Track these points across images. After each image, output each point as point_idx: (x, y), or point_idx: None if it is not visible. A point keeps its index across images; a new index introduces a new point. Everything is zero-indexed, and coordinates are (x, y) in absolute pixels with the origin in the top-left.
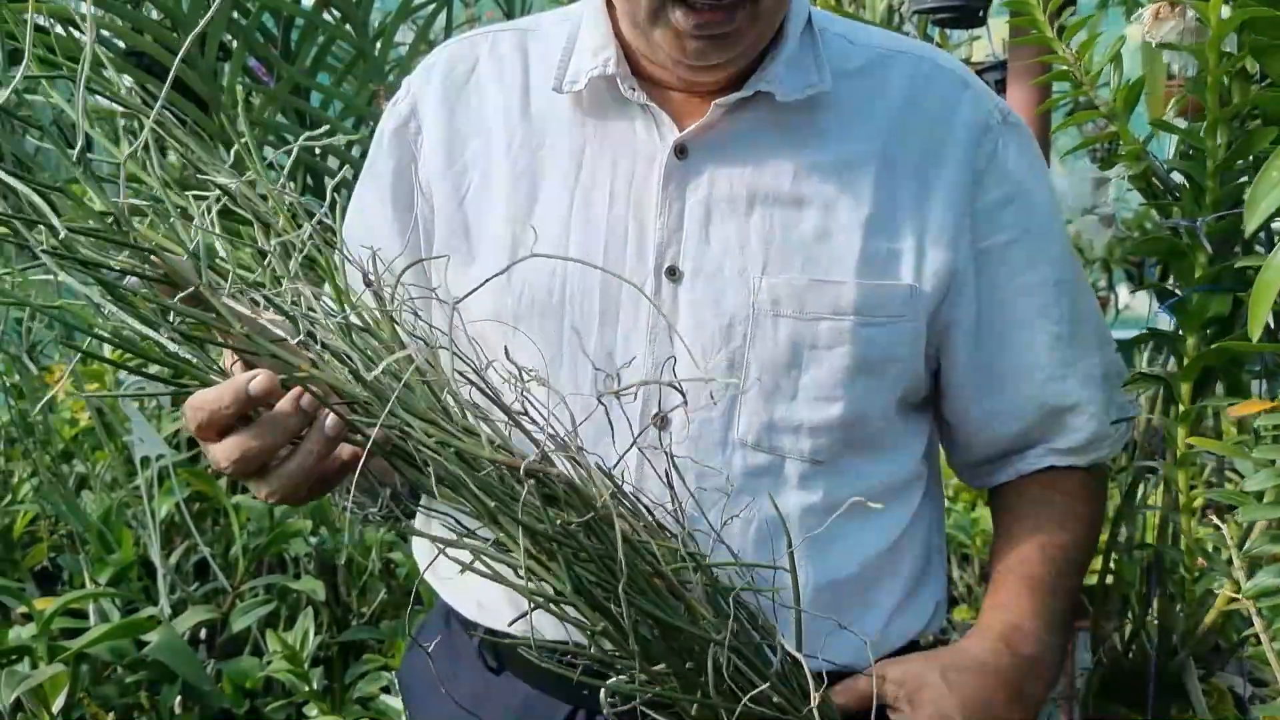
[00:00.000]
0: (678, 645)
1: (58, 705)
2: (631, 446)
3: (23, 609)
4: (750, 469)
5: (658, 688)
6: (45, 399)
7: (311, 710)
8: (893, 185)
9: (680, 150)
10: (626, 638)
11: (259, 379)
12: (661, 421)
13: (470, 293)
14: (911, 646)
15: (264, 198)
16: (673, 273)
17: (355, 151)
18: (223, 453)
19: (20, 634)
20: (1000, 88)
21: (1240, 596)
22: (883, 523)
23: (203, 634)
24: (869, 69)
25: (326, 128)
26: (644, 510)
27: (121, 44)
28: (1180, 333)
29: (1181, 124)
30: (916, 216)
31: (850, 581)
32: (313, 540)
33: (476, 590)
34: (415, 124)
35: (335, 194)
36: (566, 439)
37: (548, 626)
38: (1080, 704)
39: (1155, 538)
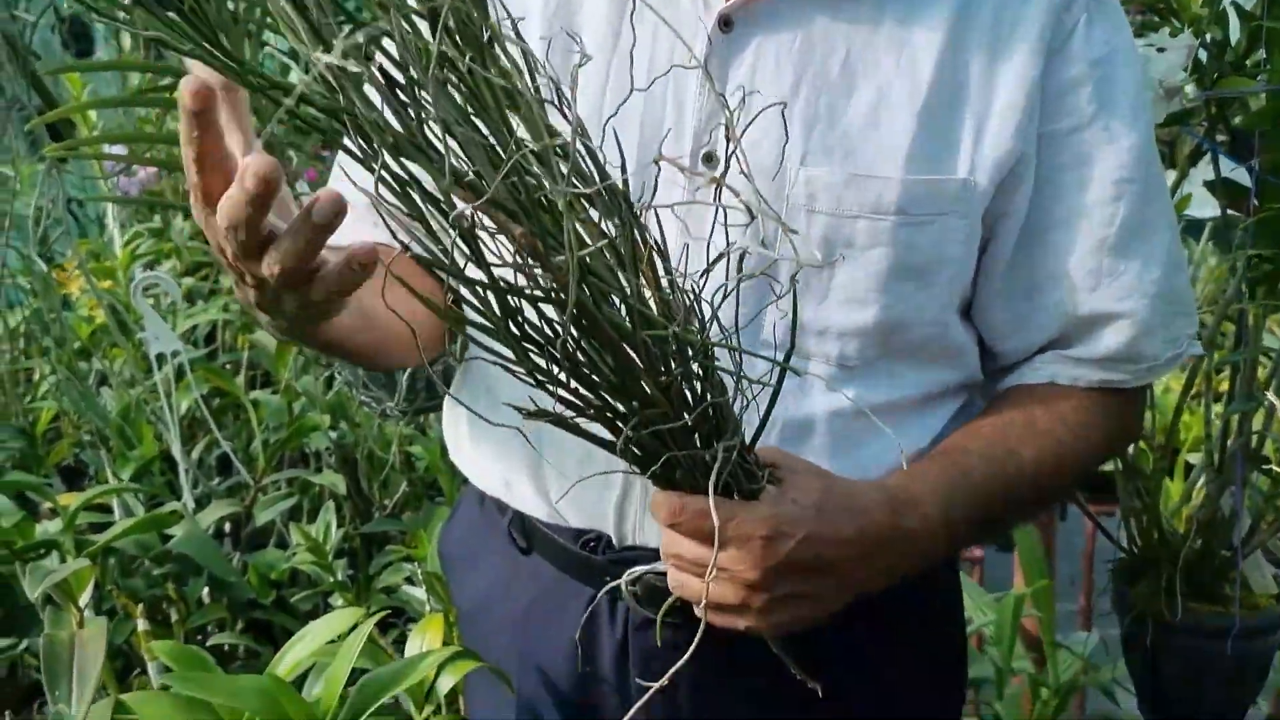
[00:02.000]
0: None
1: (84, 598)
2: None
3: (49, 504)
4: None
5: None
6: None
7: (337, 600)
8: (959, 62)
9: (725, 22)
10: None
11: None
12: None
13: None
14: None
15: None
16: (710, 158)
17: None
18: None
19: (47, 529)
20: None
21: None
22: (920, 427)
23: (227, 528)
24: None
25: None
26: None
27: None
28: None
29: None
30: (982, 96)
31: None
32: (332, 435)
33: (504, 472)
34: None
35: None
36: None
37: (572, 513)
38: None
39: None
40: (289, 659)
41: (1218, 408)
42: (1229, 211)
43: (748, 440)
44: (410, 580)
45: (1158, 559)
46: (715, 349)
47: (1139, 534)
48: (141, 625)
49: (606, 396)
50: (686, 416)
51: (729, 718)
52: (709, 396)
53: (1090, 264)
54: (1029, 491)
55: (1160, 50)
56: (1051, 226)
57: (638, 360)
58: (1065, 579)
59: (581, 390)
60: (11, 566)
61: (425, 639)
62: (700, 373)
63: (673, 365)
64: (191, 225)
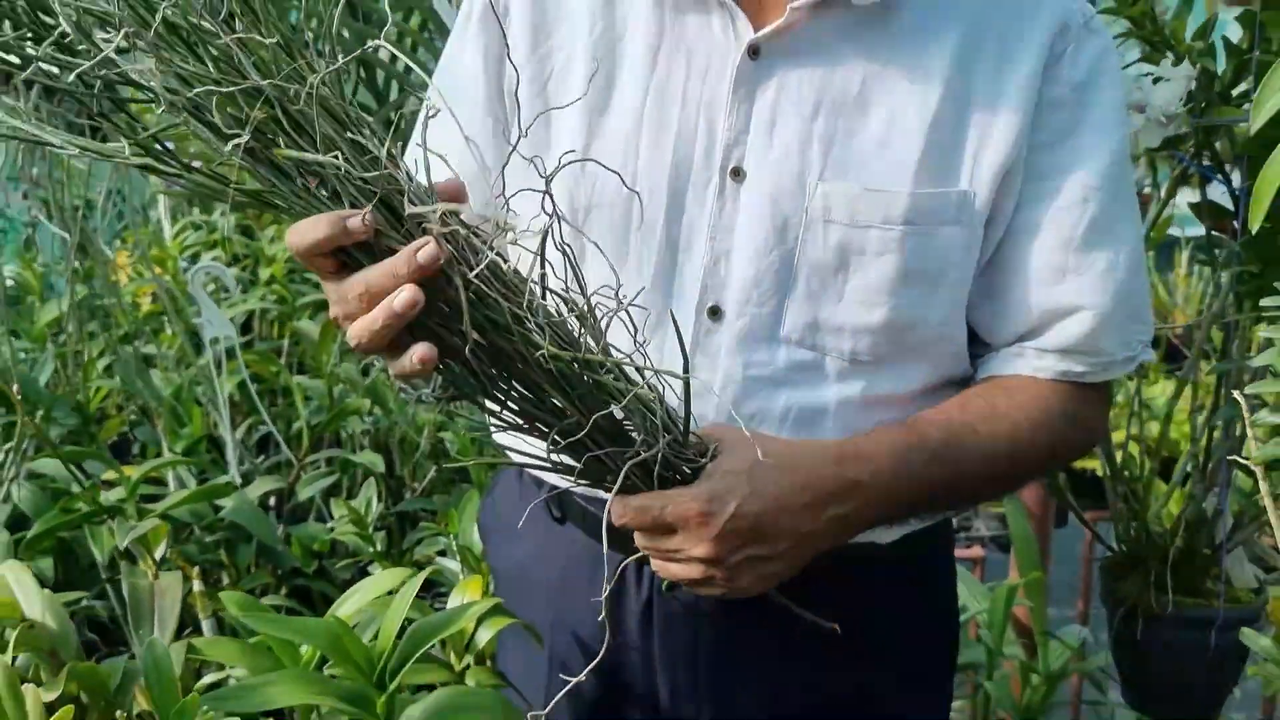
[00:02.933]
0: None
1: (159, 553)
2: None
3: (104, 476)
4: (793, 363)
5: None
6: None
7: (375, 569)
8: (964, 86)
9: (753, 51)
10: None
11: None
12: (715, 312)
13: (554, 172)
14: (927, 535)
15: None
16: (737, 173)
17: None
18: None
19: (109, 496)
20: None
21: (1249, 462)
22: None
23: (271, 502)
24: None
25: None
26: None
27: None
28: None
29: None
30: (984, 117)
31: None
32: (368, 419)
33: (540, 451)
34: (504, 4)
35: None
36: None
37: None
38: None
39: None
40: (343, 610)
41: (1205, 416)
42: (1213, 232)
43: (681, 430)
44: (444, 553)
45: (1145, 556)
46: (625, 367)
47: (1127, 533)
48: (197, 586)
49: (534, 412)
50: (599, 421)
51: (748, 680)
52: (611, 406)
53: (1056, 261)
54: (984, 467)
55: (1159, 80)
56: (1024, 229)
57: (544, 382)
58: (1064, 585)
59: (512, 406)
60: (74, 532)
61: (465, 597)
62: (609, 387)
63: (580, 382)
64: (237, 219)
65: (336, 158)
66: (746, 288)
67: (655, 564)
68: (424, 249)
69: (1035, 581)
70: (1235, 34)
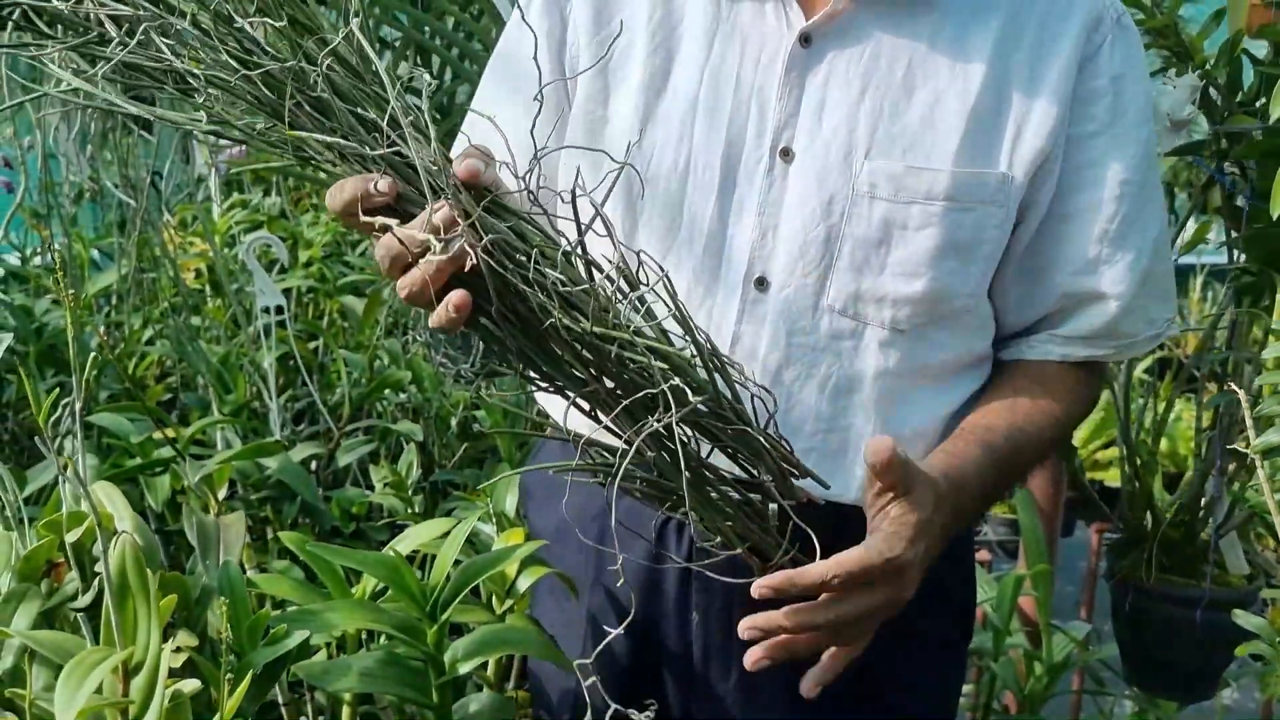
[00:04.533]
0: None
1: (222, 493)
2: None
3: (155, 434)
4: (835, 331)
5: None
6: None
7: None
8: (1004, 72)
9: (804, 38)
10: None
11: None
12: (761, 283)
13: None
14: None
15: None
16: (786, 153)
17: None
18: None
19: (161, 453)
20: None
21: (1249, 452)
22: (955, 390)
23: (312, 467)
24: None
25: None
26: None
27: None
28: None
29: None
30: (1023, 104)
31: (906, 440)
32: (401, 396)
33: (585, 420)
34: None
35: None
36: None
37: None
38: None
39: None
40: (400, 548)
41: (1208, 414)
42: (1232, 234)
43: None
44: (481, 520)
45: (1144, 537)
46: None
47: (1130, 512)
48: (245, 539)
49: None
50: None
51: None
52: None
53: (1092, 252)
54: (1032, 457)
55: (1168, 87)
56: (1066, 217)
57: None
58: (1067, 597)
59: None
60: (123, 486)
61: (508, 544)
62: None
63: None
64: (284, 201)
65: (344, 136)
66: (793, 259)
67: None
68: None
69: (1042, 573)
70: (1261, 50)
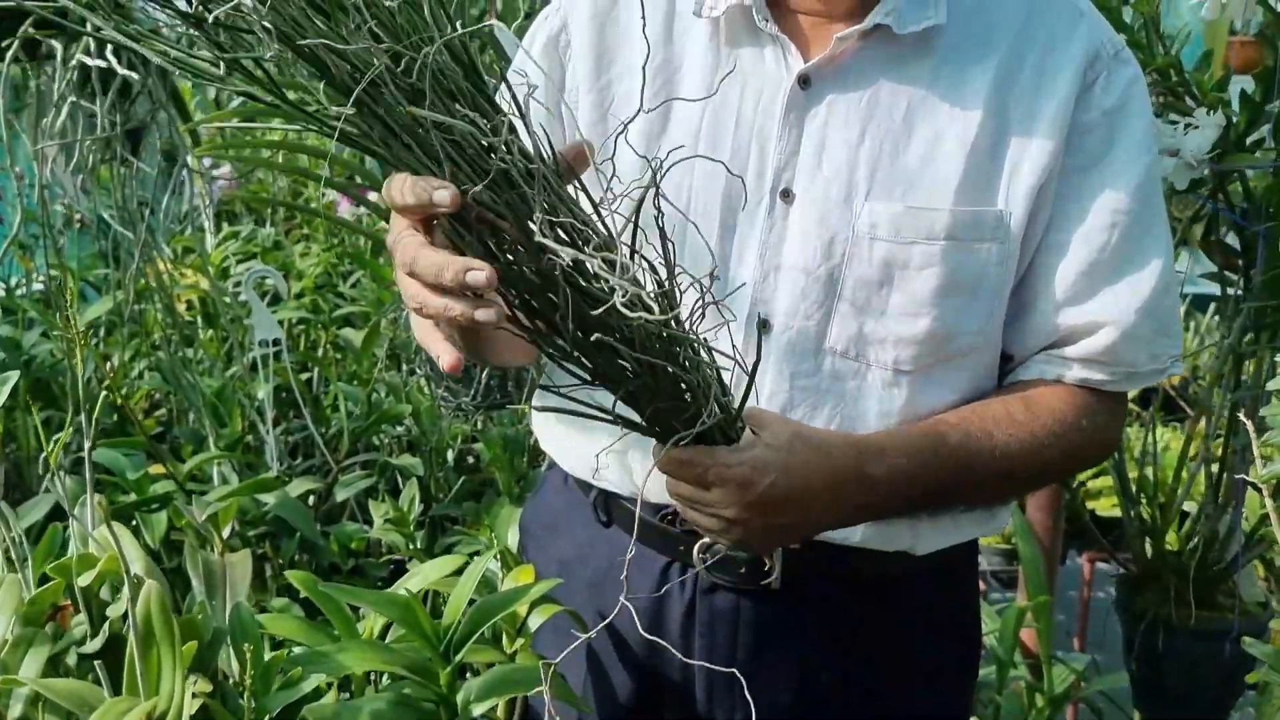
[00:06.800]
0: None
1: (226, 531)
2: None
3: (149, 469)
4: (837, 373)
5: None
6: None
7: (413, 566)
8: (1003, 110)
9: (803, 80)
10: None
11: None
12: (764, 325)
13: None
14: (956, 549)
15: None
16: (786, 194)
17: None
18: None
19: (157, 488)
20: None
21: (1257, 483)
22: None
23: (310, 501)
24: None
25: None
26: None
27: None
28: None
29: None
30: (1020, 141)
31: None
32: (399, 429)
33: (592, 456)
34: (566, 37)
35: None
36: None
37: (654, 490)
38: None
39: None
40: (409, 586)
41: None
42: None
43: (736, 404)
44: (478, 553)
45: (1160, 572)
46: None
47: (1141, 551)
48: None
49: (605, 369)
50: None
51: (784, 685)
52: (683, 372)
53: (1084, 280)
54: (997, 470)
55: (1190, 128)
56: (1054, 248)
57: (618, 342)
58: (1059, 628)
59: (585, 363)
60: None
61: (517, 583)
62: (681, 354)
63: (655, 347)
64: (276, 232)
65: (450, 130)
66: (794, 301)
67: (681, 508)
68: (473, 272)
69: (1042, 605)
70: (1249, 86)
